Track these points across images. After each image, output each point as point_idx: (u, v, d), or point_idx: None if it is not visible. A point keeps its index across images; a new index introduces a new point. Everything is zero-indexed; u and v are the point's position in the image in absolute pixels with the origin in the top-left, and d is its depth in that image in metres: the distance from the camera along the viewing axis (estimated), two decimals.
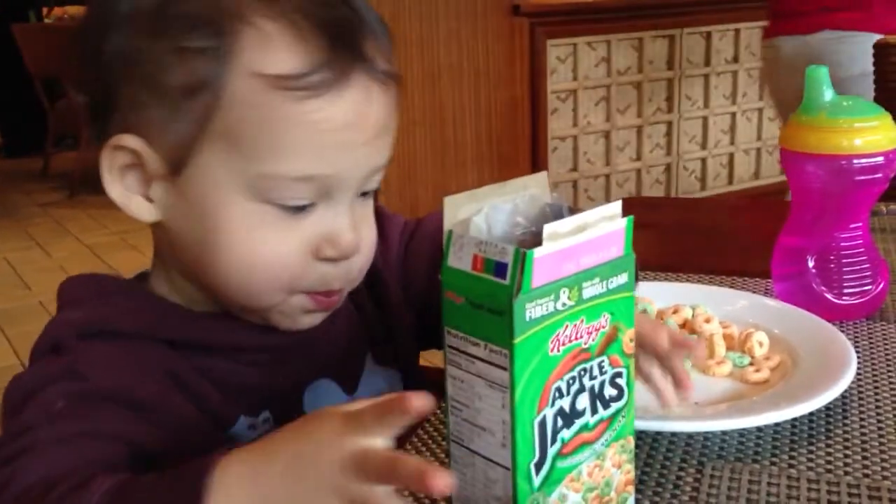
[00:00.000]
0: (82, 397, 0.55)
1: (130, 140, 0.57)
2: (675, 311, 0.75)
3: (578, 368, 0.46)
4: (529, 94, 3.00)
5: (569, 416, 0.46)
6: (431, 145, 2.83)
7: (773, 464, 0.58)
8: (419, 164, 2.82)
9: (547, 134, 3.07)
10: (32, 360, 0.59)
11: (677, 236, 1.19)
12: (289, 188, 0.56)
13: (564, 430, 0.46)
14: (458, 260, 0.45)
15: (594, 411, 0.47)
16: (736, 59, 3.42)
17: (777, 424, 0.62)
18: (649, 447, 0.60)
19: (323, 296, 0.60)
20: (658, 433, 0.61)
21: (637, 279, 0.71)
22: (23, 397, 0.55)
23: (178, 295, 0.63)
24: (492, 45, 2.89)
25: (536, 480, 0.45)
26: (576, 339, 0.45)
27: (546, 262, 0.43)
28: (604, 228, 0.46)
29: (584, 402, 0.46)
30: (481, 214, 0.46)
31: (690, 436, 0.61)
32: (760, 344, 0.71)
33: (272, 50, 0.54)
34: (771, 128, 3.54)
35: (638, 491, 0.55)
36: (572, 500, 0.47)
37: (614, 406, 0.48)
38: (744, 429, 0.61)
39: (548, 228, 0.43)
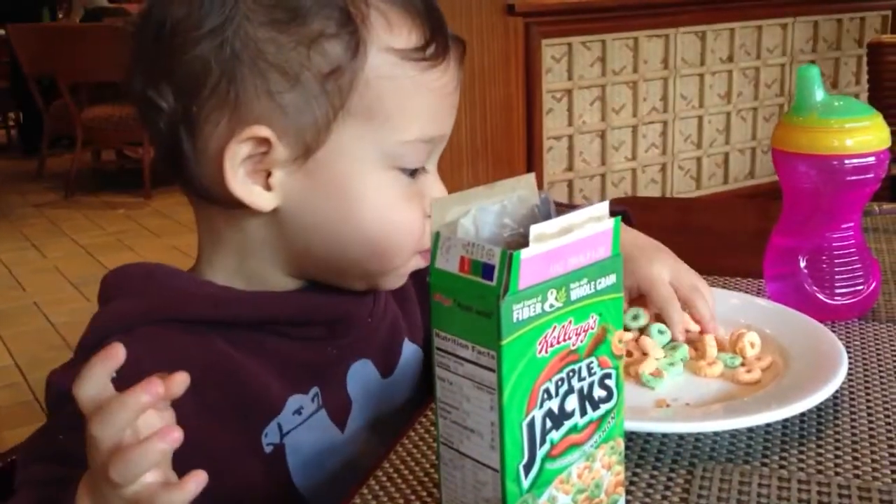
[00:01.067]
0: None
1: (263, 130, 0.58)
2: None
3: (567, 370, 0.46)
4: (524, 94, 3.00)
5: (557, 418, 0.46)
6: None
7: (763, 465, 0.58)
8: None
9: (542, 133, 3.07)
10: (76, 353, 0.59)
11: (671, 236, 1.19)
12: (417, 152, 0.62)
13: (553, 432, 0.46)
14: (446, 262, 0.45)
15: (583, 413, 0.47)
16: (731, 59, 3.42)
17: (768, 425, 0.62)
18: (640, 448, 0.60)
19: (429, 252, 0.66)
20: (649, 434, 0.61)
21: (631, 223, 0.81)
22: (56, 398, 0.56)
23: (240, 281, 0.64)
24: (486, 45, 2.89)
25: (525, 482, 0.45)
26: (564, 340, 0.45)
27: (533, 263, 0.43)
28: (591, 229, 0.46)
29: (572, 403, 0.46)
30: (469, 216, 0.46)
31: (681, 436, 0.61)
32: (752, 345, 0.71)
33: (395, 27, 0.60)
34: (765, 127, 3.55)
35: (628, 492, 0.55)
36: (562, 502, 0.47)
37: (603, 407, 0.48)
38: (735, 430, 0.61)
39: (534, 230, 0.43)
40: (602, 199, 3.13)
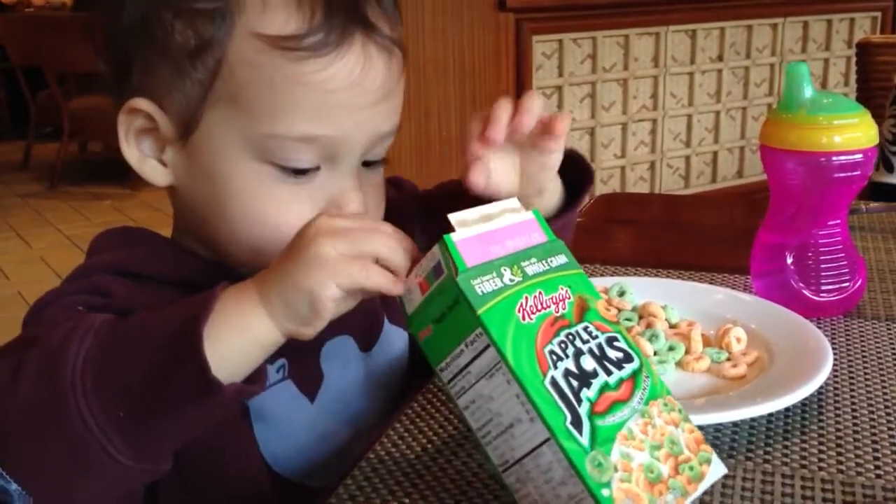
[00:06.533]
0: (102, 310, 0.55)
1: (143, 103, 0.59)
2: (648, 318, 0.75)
3: (563, 334, 0.45)
4: (515, 90, 2.99)
5: (581, 377, 0.45)
6: (416, 140, 2.82)
7: (748, 459, 0.58)
8: (404, 159, 2.81)
9: None
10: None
11: (659, 232, 1.19)
12: (291, 149, 0.58)
13: (585, 390, 0.44)
14: (412, 302, 0.47)
15: (608, 372, 0.46)
16: (720, 58, 3.43)
17: (753, 420, 0.62)
18: None
19: None
20: None
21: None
22: (44, 305, 0.57)
23: (202, 250, 0.65)
24: (477, 41, 2.88)
25: (583, 439, 0.43)
26: (543, 308, 0.45)
27: (470, 245, 0.45)
28: (512, 219, 0.48)
29: (590, 363, 0.45)
30: None
31: None
32: (738, 340, 0.71)
33: (271, 11, 0.56)
34: (754, 127, 3.56)
35: None
36: (640, 458, 0.44)
37: (629, 367, 0.47)
38: (720, 424, 0.61)
39: (453, 217, 0.45)
40: (591, 196, 3.13)
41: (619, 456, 0.43)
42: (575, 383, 0.44)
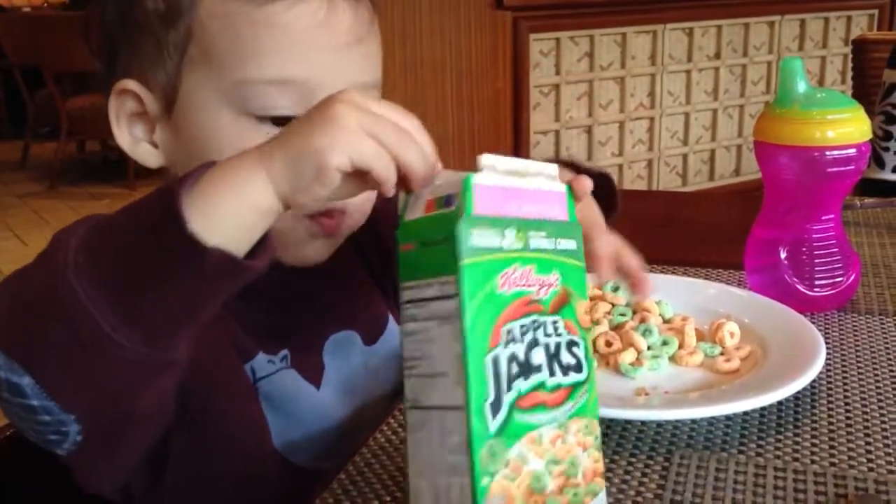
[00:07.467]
0: None
1: (129, 83, 0.61)
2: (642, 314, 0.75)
3: (531, 318, 0.45)
4: (512, 89, 2.99)
5: (524, 367, 0.44)
6: None
7: (740, 452, 0.58)
8: None
9: (529, 128, 3.07)
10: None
11: (656, 229, 1.19)
12: (266, 94, 0.58)
13: (521, 381, 0.44)
14: (413, 212, 0.45)
15: (552, 373, 0.46)
16: (717, 56, 3.43)
17: (746, 413, 0.62)
18: (618, 436, 0.60)
19: (325, 217, 0.62)
20: (627, 422, 0.61)
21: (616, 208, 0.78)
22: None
23: None
24: (474, 39, 2.88)
25: (492, 424, 0.43)
26: (526, 285, 0.44)
27: (487, 193, 0.43)
28: (543, 184, 0.46)
29: (539, 357, 0.45)
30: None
31: (659, 424, 0.61)
32: (731, 334, 0.71)
33: None
34: (751, 125, 3.55)
35: (605, 479, 0.54)
36: (534, 465, 0.45)
37: (573, 377, 0.47)
38: (713, 417, 0.61)
39: (485, 159, 0.44)
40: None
41: (516, 455, 0.44)
42: (514, 370, 0.44)
